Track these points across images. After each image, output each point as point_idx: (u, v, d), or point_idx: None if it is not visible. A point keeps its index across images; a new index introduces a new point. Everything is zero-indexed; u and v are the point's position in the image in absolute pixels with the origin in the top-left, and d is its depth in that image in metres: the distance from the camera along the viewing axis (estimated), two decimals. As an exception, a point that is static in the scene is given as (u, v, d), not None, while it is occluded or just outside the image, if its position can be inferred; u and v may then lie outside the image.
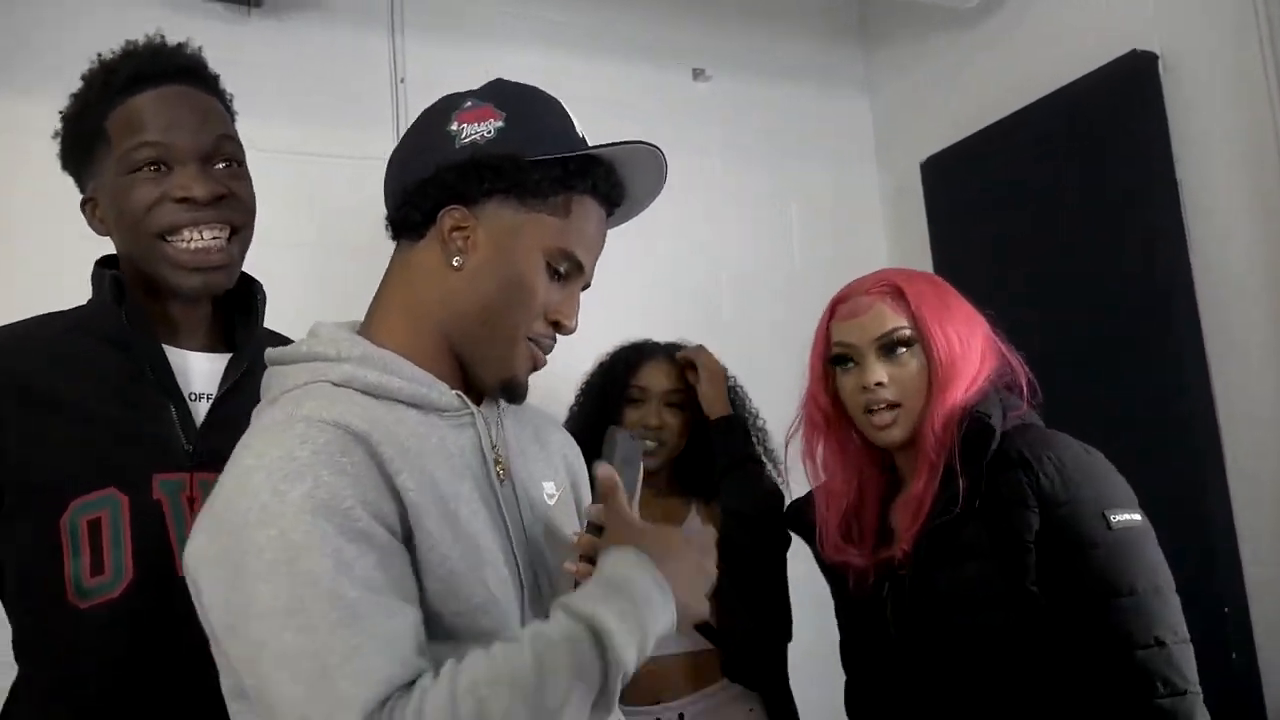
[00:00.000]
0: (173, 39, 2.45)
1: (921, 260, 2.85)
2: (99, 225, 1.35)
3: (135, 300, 1.32)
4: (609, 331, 2.30)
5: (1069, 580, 1.35)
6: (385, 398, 1.04)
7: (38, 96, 2.27)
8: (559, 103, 1.16)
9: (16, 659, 1.27)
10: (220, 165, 1.32)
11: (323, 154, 2.36)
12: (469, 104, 1.12)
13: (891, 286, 1.52)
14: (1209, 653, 2.07)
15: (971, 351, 1.47)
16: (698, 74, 3.02)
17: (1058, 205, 2.51)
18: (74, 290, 1.40)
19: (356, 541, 0.92)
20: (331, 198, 2.42)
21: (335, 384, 1.04)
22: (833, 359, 1.55)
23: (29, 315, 1.36)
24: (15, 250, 2.22)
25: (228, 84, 2.50)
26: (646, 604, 0.96)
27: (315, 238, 2.40)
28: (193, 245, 1.28)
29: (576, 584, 1.04)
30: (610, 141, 1.13)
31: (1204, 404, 2.19)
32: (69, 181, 1.43)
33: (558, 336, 1.15)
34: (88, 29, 2.36)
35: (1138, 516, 1.37)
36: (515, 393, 1.13)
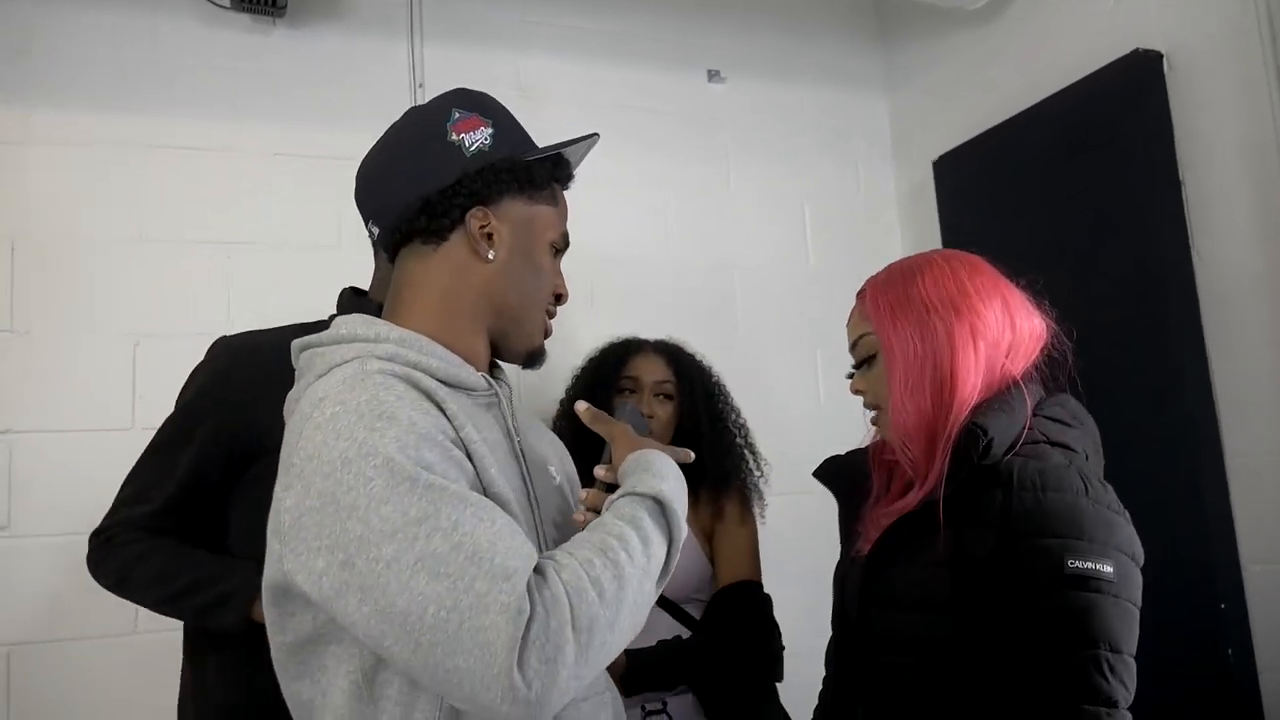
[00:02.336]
0: (202, 49, 2.56)
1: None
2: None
3: None
4: (622, 328, 2.37)
5: (1009, 616, 1.26)
6: (423, 373, 1.13)
7: (77, 108, 2.39)
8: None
9: None
10: None
11: (343, 157, 2.40)
12: (457, 115, 1.23)
13: (863, 289, 1.50)
14: (1206, 650, 2.12)
15: (924, 349, 1.38)
16: (713, 75, 3.08)
17: (1065, 202, 2.53)
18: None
19: (455, 466, 1.04)
20: (353, 201, 2.49)
21: (380, 359, 1.11)
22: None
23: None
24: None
25: (253, 91, 2.61)
26: (679, 479, 1.15)
27: (335, 240, 2.48)
28: None
29: None
30: (577, 137, 1.28)
31: (1203, 402, 2.21)
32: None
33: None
34: (125, 42, 2.46)
35: (1108, 568, 1.23)
36: (538, 359, 1.29)
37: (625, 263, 2.84)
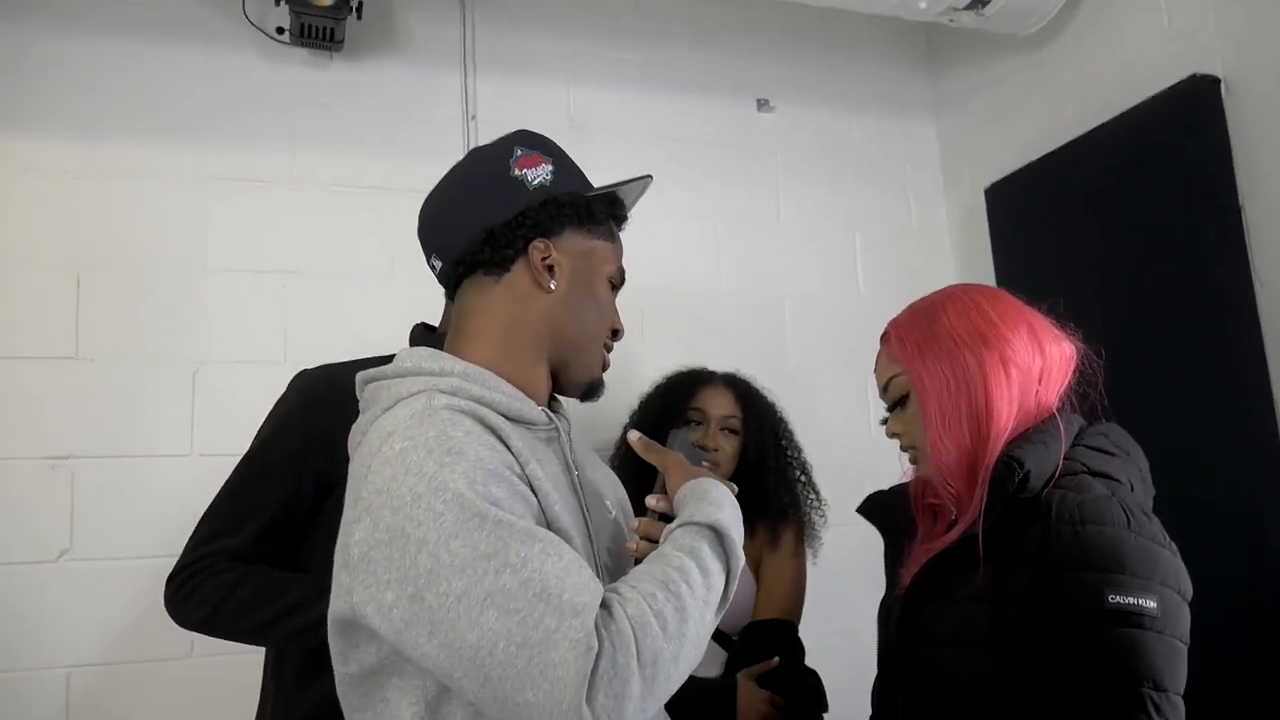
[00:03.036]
0: (261, 81, 2.62)
1: (986, 286, 2.86)
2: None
3: None
4: (673, 359, 2.37)
5: (1050, 652, 1.23)
6: (487, 408, 1.14)
7: (141, 141, 2.45)
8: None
9: None
10: None
11: (398, 188, 2.47)
12: (520, 153, 1.27)
13: (886, 332, 1.50)
14: (1263, 654, 2.06)
15: (956, 383, 1.37)
16: (762, 104, 3.09)
17: (1121, 229, 2.50)
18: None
19: (521, 501, 1.05)
20: (406, 231, 2.53)
21: (444, 393, 1.13)
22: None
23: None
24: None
25: (311, 123, 2.66)
26: (735, 508, 1.14)
27: (389, 268, 2.52)
28: None
29: (636, 562, 1.14)
30: (634, 177, 1.32)
31: (1268, 431, 2.16)
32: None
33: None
34: (189, 76, 2.53)
35: (1152, 603, 1.19)
36: (597, 391, 1.31)
37: (676, 293, 2.84)
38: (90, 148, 2.42)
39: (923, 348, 1.40)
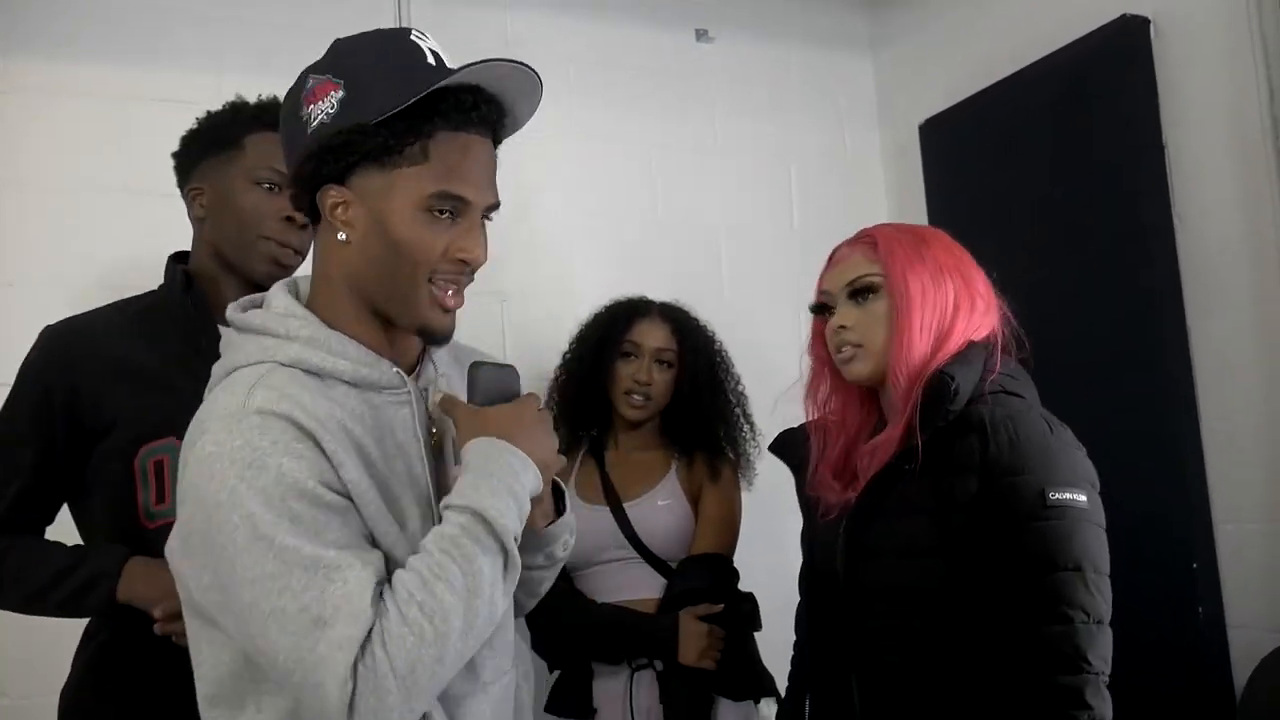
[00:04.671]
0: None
1: (918, 221, 2.90)
2: (198, 210, 1.68)
3: (201, 286, 1.66)
4: (609, 287, 2.38)
5: (996, 551, 1.37)
6: (329, 377, 1.13)
7: (61, 58, 2.36)
8: (402, 40, 1.16)
9: None
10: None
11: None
12: (311, 82, 1.15)
13: (870, 238, 1.58)
14: (1177, 608, 2.17)
15: (938, 300, 1.50)
16: (701, 34, 3.06)
17: (1050, 167, 2.55)
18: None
19: (324, 510, 1.05)
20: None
21: (283, 364, 1.12)
22: (816, 306, 1.62)
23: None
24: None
25: (237, 44, 2.58)
26: (509, 473, 1.08)
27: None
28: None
29: None
30: (451, 69, 1.14)
31: (1181, 364, 2.25)
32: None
33: (475, 269, 1.18)
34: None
35: (1082, 497, 1.38)
36: (434, 336, 1.20)
37: (612, 219, 2.84)
38: (3, 64, 2.32)
39: (912, 260, 1.52)
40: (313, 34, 2.51)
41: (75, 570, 1.53)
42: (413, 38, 1.16)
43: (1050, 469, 1.38)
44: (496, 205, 1.19)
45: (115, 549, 1.54)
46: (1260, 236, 2.15)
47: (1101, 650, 1.33)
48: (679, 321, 2.28)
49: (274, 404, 1.07)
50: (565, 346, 2.33)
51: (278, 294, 1.21)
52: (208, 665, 1.12)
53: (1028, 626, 1.34)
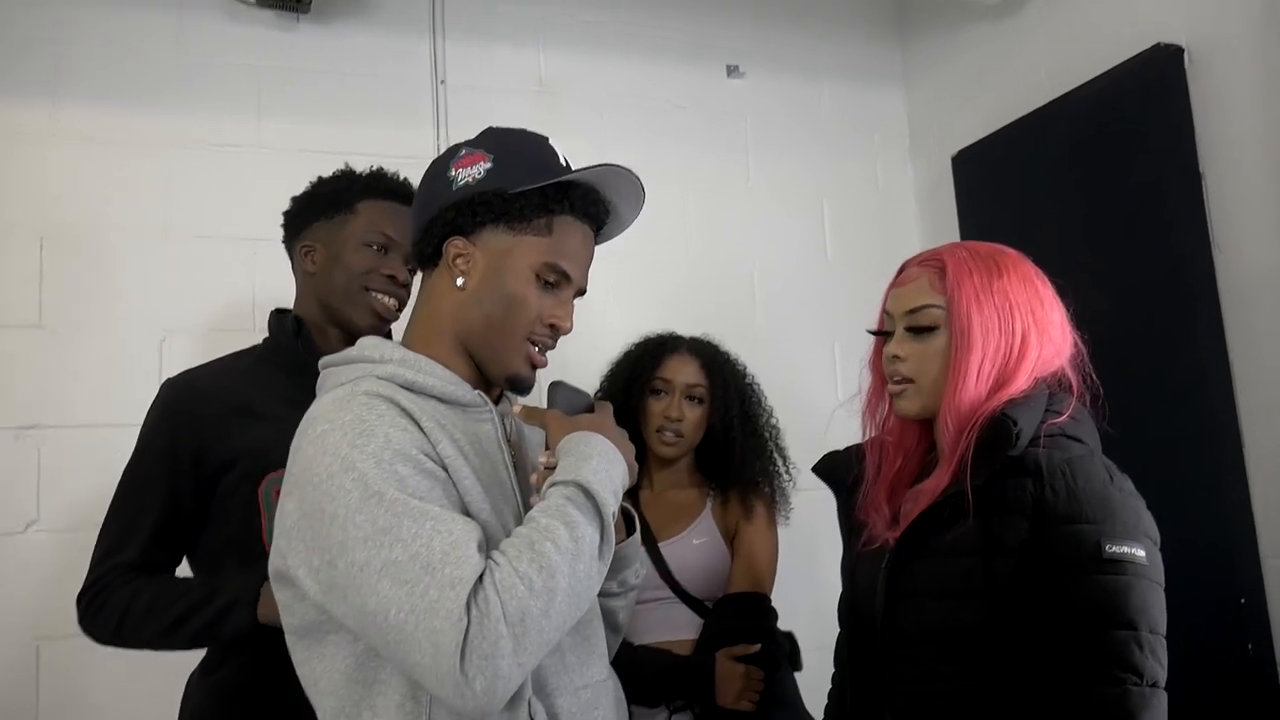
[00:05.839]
0: (227, 45, 2.59)
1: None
2: (309, 265, 1.81)
3: (309, 333, 1.80)
4: (642, 324, 2.38)
5: (1044, 600, 1.31)
6: (420, 392, 1.25)
7: (103, 104, 2.41)
8: (543, 140, 1.35)
9: None
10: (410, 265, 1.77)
11: (365, 154, 2.43)
12: (464, 152, 1.33)
13: (939, 263, 1.49)
14: (1225, 644, 2.13)
15: (1001, 343, 1.42)
16: (732, 70, 3.09)
17: (1084, 197, 2.53)
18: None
19: (427, 478, 1.14)
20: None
21: (380, 378, 1.24)
22: (875, 330, 1.56)
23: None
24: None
25: (277, 88, 2.64)
26: (604, 459, 1.20)
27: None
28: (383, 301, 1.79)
29: None
30: (582, 167, 1.31)
31: (1223, 395, 2.21)
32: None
33: (560, 337, 1.34)
34: (151, 39, 2.49)
35: (1141, 552, 1.30)
36: (519, 386, 1.33)
37: (645, 257, 2.85)
38: (50, 110, 2.38)
39: (981, 294, 1.44)
40: (350, 78, 2.62)
41: (213, 598, 1.60)
42: (550, 142, 1.35)
43: (1109, 519, 1.31)
44: (584, 291, 1.36)
45: (249, 575, 1.59)
46: (1302, 264, 2.12)
47: (1154, 717, 1.25)
48: (708, 356, 2.27)
49: (377, 389, 1.20)
50: (596, 385, 2.33)
51: (366, 338, 1.35)
52: (324, 681, 1.18)
53: (1076, 685, 1.27)
